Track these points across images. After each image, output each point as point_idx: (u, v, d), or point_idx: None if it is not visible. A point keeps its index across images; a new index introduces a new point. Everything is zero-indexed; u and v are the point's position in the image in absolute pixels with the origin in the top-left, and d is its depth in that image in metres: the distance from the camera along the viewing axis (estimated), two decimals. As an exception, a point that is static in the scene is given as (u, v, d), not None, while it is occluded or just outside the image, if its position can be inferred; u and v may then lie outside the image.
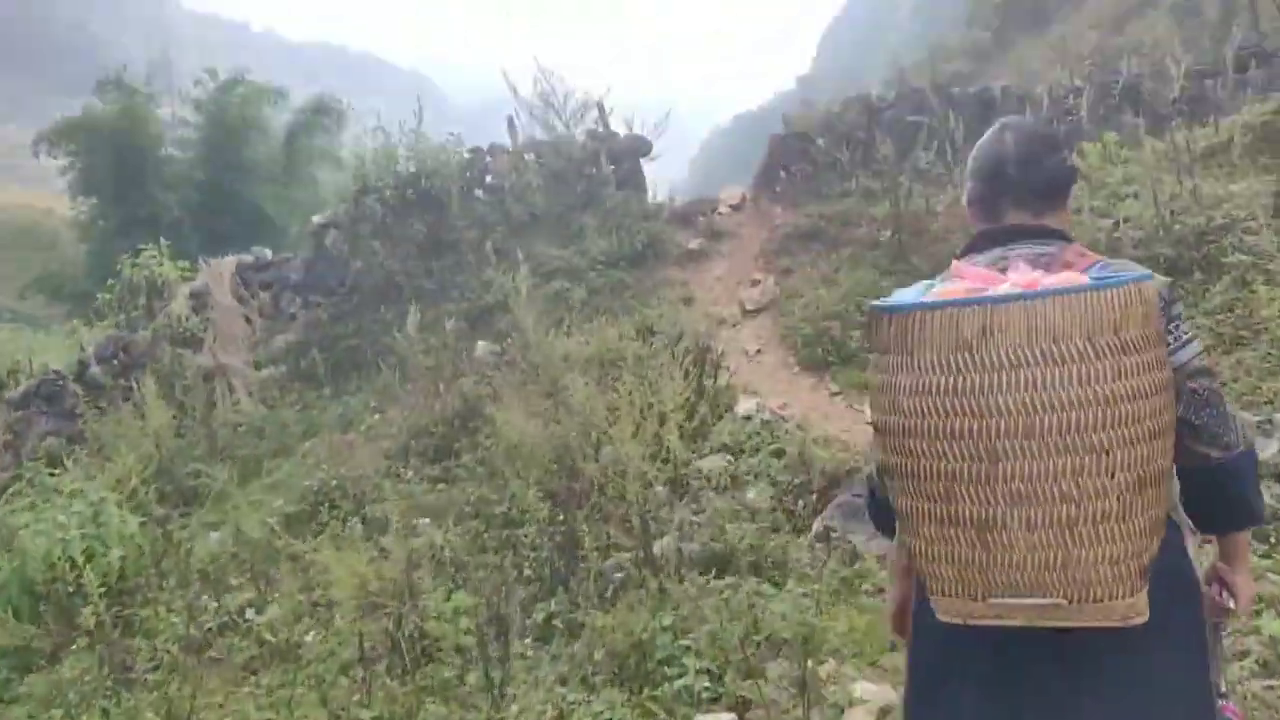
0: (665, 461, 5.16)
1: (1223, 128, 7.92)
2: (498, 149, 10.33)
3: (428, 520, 5.95)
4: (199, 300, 10.26)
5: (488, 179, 10.45)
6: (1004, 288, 1.25)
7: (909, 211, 8.61)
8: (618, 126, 10.86)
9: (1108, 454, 1.15)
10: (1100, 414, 1.13)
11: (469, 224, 10.01)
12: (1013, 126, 1.54)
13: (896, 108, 10.53)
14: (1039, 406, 1.14)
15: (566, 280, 9.29)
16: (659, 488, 4.96)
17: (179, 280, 10.16)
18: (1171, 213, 6.25)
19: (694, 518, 4.97)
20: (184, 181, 17.84)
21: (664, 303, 8.87)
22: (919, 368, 1.21)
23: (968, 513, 1.21)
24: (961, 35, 35.15)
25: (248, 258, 10.46)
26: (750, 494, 5.32)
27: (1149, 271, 1.29)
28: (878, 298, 1.39)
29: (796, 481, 5.22)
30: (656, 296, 9.09)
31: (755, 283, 9.10)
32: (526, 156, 10.04)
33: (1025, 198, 1.46)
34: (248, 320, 10.29)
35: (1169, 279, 1.37)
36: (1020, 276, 1.29)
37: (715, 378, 6.51)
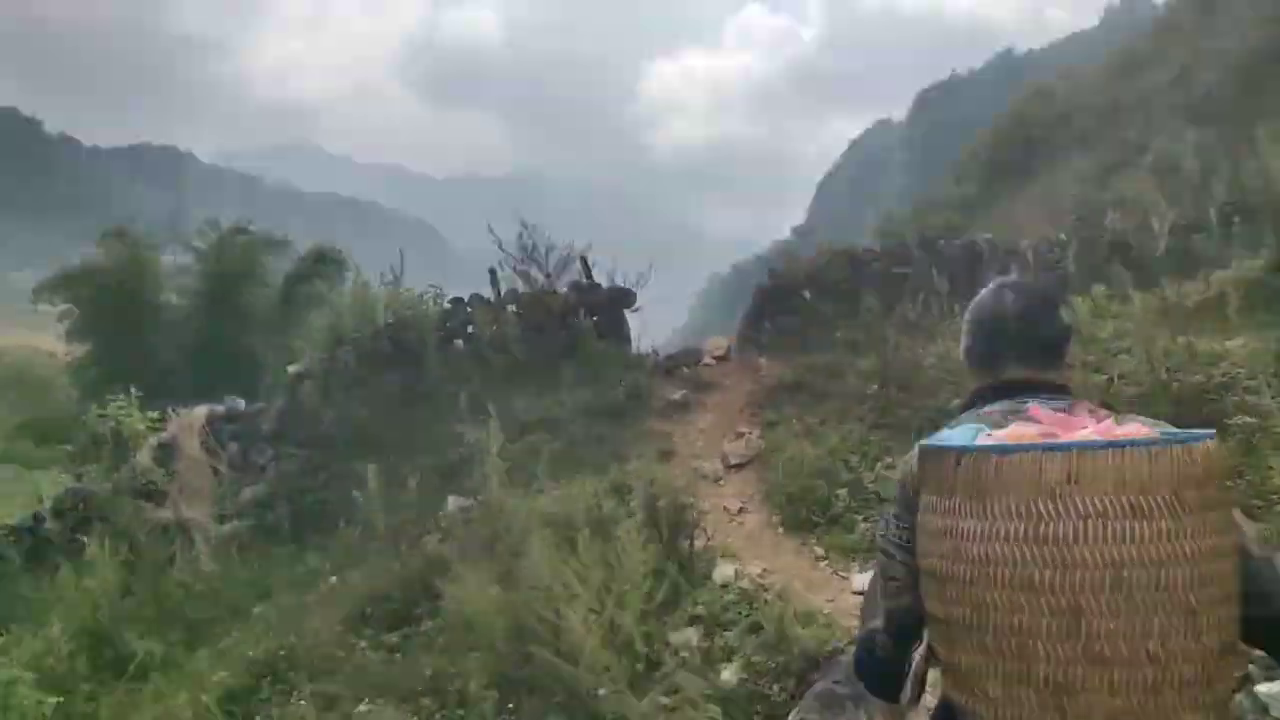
0: (628, 645, 4.66)
1: (1213, 282, 7.77)
2: (478, 300, 10.23)
3: (380, 700, 5.41)
4: (167, 451, 9.91)
5: (469, 329, 10.29)
6: (1085, 433, 1.20)
7: (896, 364, 8.37)
8: (601, 278, 10.80)
9: (1195, 614, 1.09)
10: (1188, 572, 1.08)
11: (446, 375, 9.78)
12: (1011, 286, 1.55)
13: (883, 260, 10.50)
14: (1127, 560, 1.08)
15: (544, 432, 8.96)
16: (616, 680, 4.45)
17: (146, 431, 9.83)
18: (1168, 370, 5.97)
19: (664, 699, 4.47)
20: (180, 329, 17.94)
21: (643, 457, 8.51)
22: (993, 513, 1.13)
23: (1043, 672, 1.12)
24: (949, 190, 36.34)
25: (219, 408, 10.18)
26: (725, 673, 4.82)
27: (1211, 430, 1.21)
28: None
29: (773, 664, 4.72)
30: (637, 450, 8.74)
31: (740, 435, 8.77)
32: (508, 308, 9.91)
33: (1028, 354, 1.47)
34: (215, 472, 9.90)
35: None
36: (1095, 423, 1.25)
37: (692, 541, 6.07)
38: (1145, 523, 1.07)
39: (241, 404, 10.34)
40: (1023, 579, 1.11)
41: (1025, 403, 1.38)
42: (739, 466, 8.18)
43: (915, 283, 9.48)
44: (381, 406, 9.36)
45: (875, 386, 8.26)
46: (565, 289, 10.60)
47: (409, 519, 7.97)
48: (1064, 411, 1.33)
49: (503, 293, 10.47)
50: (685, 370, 10.26)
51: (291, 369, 10.27)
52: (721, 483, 7.96)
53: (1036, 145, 34.18)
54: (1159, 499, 1.08)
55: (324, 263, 19.26)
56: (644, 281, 10.52)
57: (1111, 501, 1.08)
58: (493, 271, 10.48)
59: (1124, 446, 1.11)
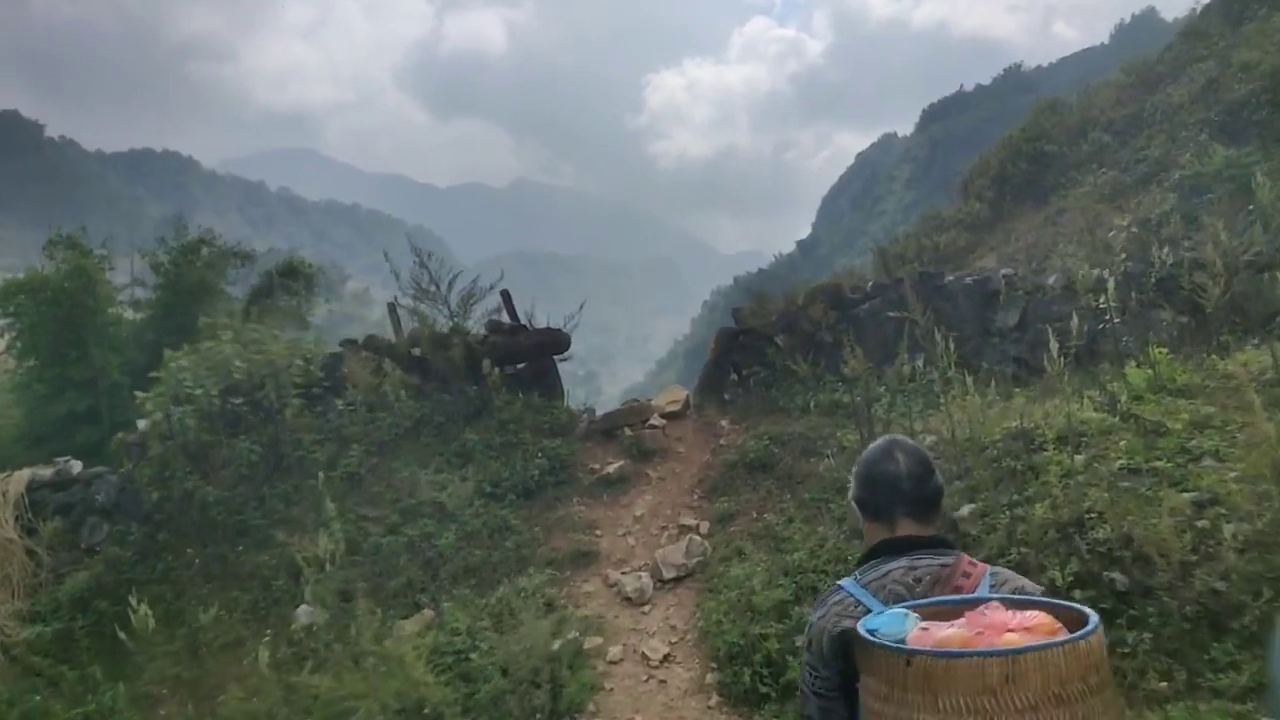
0: None
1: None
2: (350, 347, 8.20)
3: None
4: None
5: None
6: (1012, 636, 1.30)
7: None
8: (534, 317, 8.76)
9: None
10: None
11: (320, 439, 7.76)
12: (903, 447, 1.68)
13: (874, 301, 8.45)
14: None
15: (432, 521, 6.93)
16: None
17: (-53, 502, 7.81)
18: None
19: None
20: (131, 344, 16.37)
21: (553, 563, 6.49)
22: (944, 708, 1.25)
23: None
24: (956, 207, 34.28)
25: (45, 472, 8.14)
26: None
27: (1096, 617, 1.33)
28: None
29: None
30: (549, 549, 6.71)
31: (682, 531, 6.73)
32: (390, 359, 7.87)
33: (917, 511, 1.63)
34: (30, 555, 7.87)
35: None
36: (1001, 616, 1.35)
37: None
38: (1066, 709, 1.23)
39: (76, 467, 8.30)
40: None
41: (920, 558, 1.58)
42: (675, 582, 6.13)
43: (914, 331, 7.42)
44: (228, 484, 7.33)
45: None
46: (485, 330, 8.56)
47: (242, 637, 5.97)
48: (950, 568, 1.56)
49: (406, 334, 8.42)
50: (628, 432, 8.22)
51: (141, 424, 8.22)
52: (647, 609, 5.90)
53: (1049, 160, 32.16)
54: (1074, 688, 1.24)
55: (291, 276, 17.57)
56: (574, 323, 8.50)
57: (1040, 695, 1.22)
58: (391, 307, 8.46)
59: (1047, 648, 1.25)
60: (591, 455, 8.01)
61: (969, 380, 6.17)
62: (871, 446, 1.73)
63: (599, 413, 8.53)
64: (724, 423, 8.18)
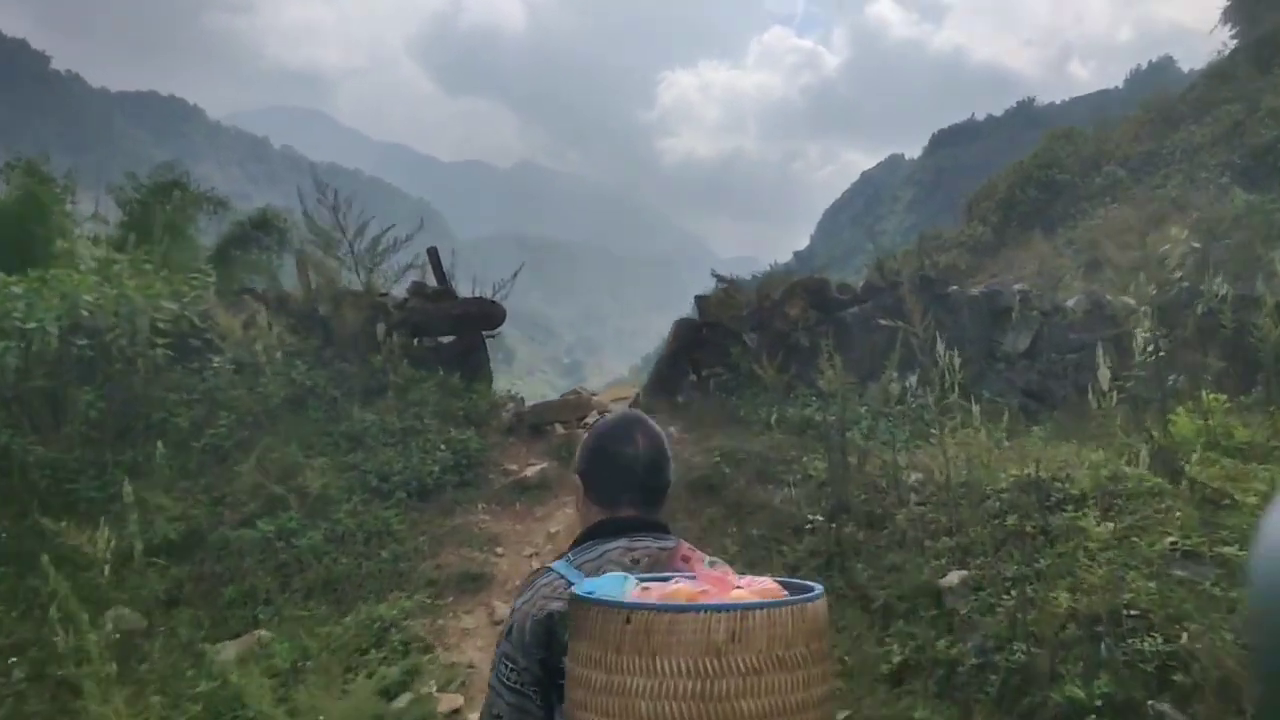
0: None
1: None
2: (228, 297, 6.86)
3: None
4: None
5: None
6: (739, 593, 1.21)
7: (858, 484, 5.10)
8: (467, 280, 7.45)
9: None
10: (817, 716, 1.16)
11: (188, 400, 6.43)
12: (644, 429, 1.53)
13: (865, 304, 7.19)
14: (776, 710, 1.12)
15: (299, 516, 5.62)
16: None
17: None
18: None
19: None
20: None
21: (435, 583, 5.20)
22: (663, 671, 1.11)
23: None
24: (959, 229, 33.21)
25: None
26: None
27: (821, 587, 1.23)
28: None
29: None
30: (433, 565, 5.42)
31: None
32: (261, 317, 6.50)
33: (646, 498, 1.50)
34: None
35: None
36: (730, 576, 1.25)
37: None
38: (788, 674, 1.13)
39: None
40: None
41: (639, 540, 1.43)
42: (578, 626, 4.86)
43: (909, 343, 6.15)
44: (65, 445, 5.98)
45: (818, 516, 4.97)
46: (407, 293, 7.25)
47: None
48: (670, 551, 1.41)
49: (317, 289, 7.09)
50: (559, 430, 6.94)
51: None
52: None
53: (1060, 188, 31.11)
54: (798, 652, 1.14)
55: (264, 229, 16.33)
56: (505, 291, 7.20)
57: (765, 657, 1.12)
58: (301, 259, 7.13)
59: (776, 606, 1.15)
60: (511, 454, 6.72)
61: (974, 410, 4.93)
62: (608, 420, 1.58)
63: (530, 403, 7.22)
64: (673, 429, 6.90)
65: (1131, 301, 7.44)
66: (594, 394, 7.68)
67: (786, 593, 1.22)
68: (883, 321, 6.82)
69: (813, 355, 6.47)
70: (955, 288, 7.40)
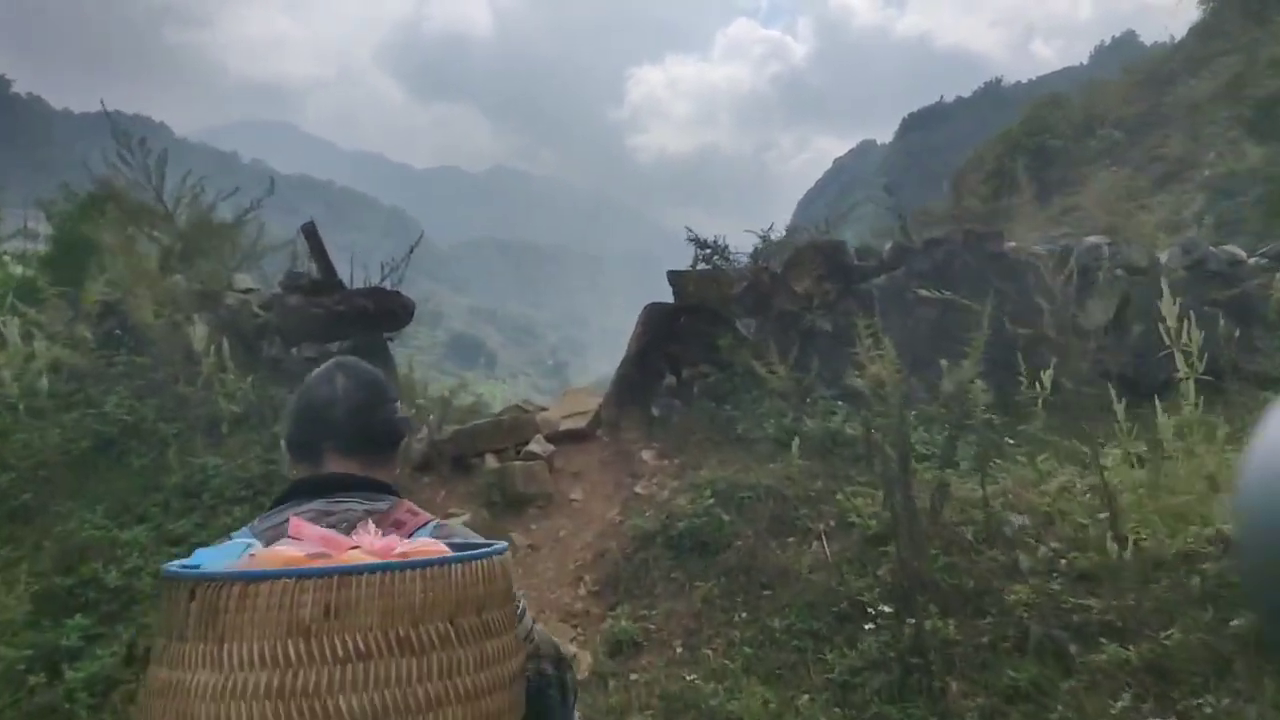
0: None
1: None
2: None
3: None
4: None
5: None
6: (355, 554, 0.94)
7: (933, 534, 3.28)
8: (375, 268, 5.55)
9: None
10: (463, 713, 0.88)
11: None
12: (349, 369, 1.30)
13: (895, 271, 5.34)
14: (392, 708, 0.83)
15: (94, 625, 3.72)
16: None
17: None
18: None
19: None
20: None
21: None
22: (233, 662, 0.82)
23: None
24: (947, 202, 31.81)
25: None
26: None
27: (503, 544, 1.02)
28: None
29: None
30: None
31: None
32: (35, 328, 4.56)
33: (353, 447, 1.25)
34: None
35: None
36: (371, 540, 0.98)
37: None
38: (415, 660, 0.85)
39: None
40: None
41: (341, 501, 1.17)
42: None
43: (964, 319, 4.27)
44: None
45: (882, 604, 3.12)
46: (279, 288, 5.34)
47: None
48: (380, 514, 1.15)
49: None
50: (492, 461, 5.06)
51: None
52: None
53: (1053, 155, 29.67)
54: (432, 630, 0.87)
55: (214, 238, 14.74)
56: (397, 279, 5.34)
57: (378, 638, 0.84)
58: (115, 245, 5.21)
59: (395, 569, 0.87)
60: (424, 498, 4.84)
61: (1119, 410, 3.11)
62: (314, 372, 1.30)
63: (453, 426, 5.31)
64: (646, 455, 5.03)
65: (1241, 253, 5.65)
66: (542, 408, 5.80)
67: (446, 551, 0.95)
68: (923, 292, 4.96)
69: (836, 343, 4.62)
70: (1013, 244, 5.58)
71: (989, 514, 3.38)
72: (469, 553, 0.95)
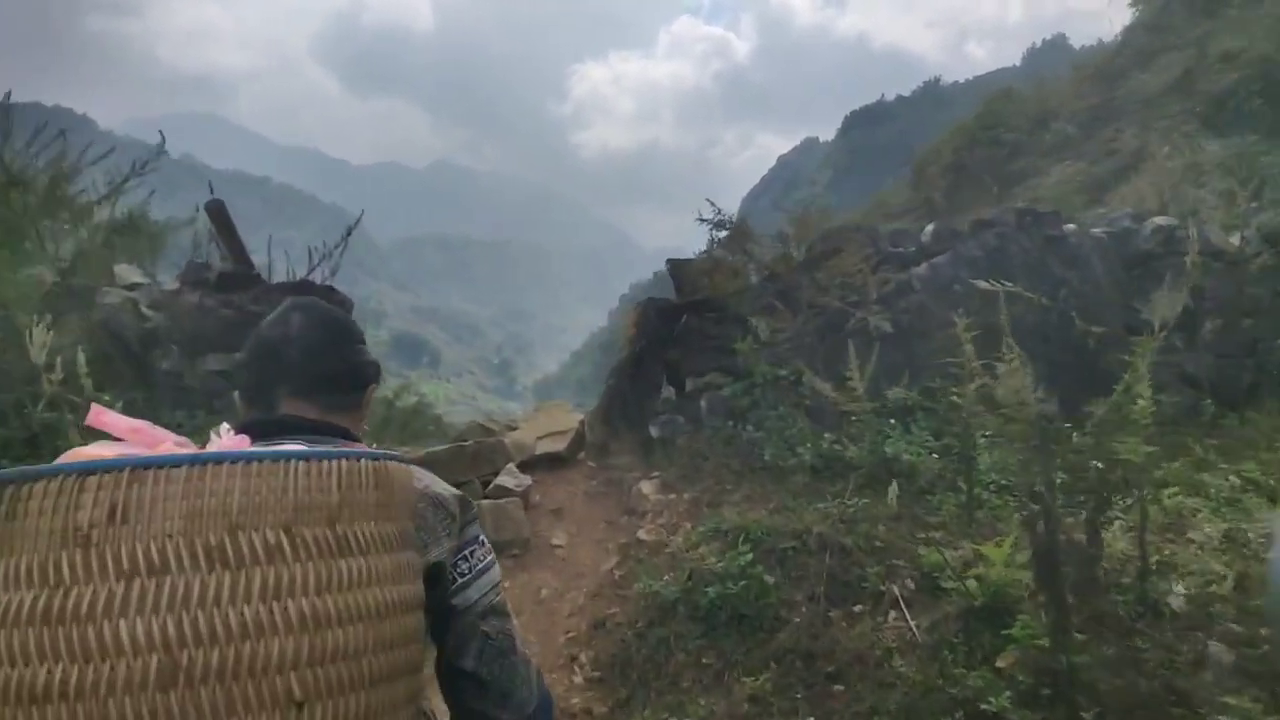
0: None
1: None
2: None
3: None
4: None
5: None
6: (166, 447, 0.77)
7: (1100, 599, 2.36)
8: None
9: (302, 708, 0.67)
10: (294, 646, 0.67)
11: None
12: (305, 306, 1.14)
13: (937, 259, 4.45)
14: (191, 638, 0.64)
15: None
16: None
17: None
18: None
19: None
20: None
21: None
22: (6, 579, 0.65)
23: None
24: (903, 194, 31.61)
25: None
26: None
27: (396, 453, 0.87)
28: None
29: None
30: None
31: None
32: None
33: (309, 389, 1.08)
34: None
35: (459, 492, 0.99)
36: (222, 442, 0.83)
37: None
38: (228, 575, 0.66)
39: None
40: (27, 687, 0.63)
41: (295, 442, 0.97)
42: None
43: (1023, 315, 3.39)
44: None
45: (1020, 709, 2.20)
46: (176, 282, 4.23)
47: None
48: None
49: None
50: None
51: None
52: None
53: (1009, 148, 29.61)
54: (254, 540, 0.67)
55: (131, 234, 13.48)
56: (330, 269, 4.29)
57: (178, 547, 0.66)
58: None
59: (204, 462, 0.69)
60: None
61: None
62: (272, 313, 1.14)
63: (402, 449, 4.30)
64: (645, 487, 4.05)
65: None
66: (510, 426, 4.78)
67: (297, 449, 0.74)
68: (981, 284, 4.06)
69: (892, 344, 3.69)
70: (1072, 225, 4.73)
71: (1144, 577, 2.48)
72: (319, 450, 0.73)
